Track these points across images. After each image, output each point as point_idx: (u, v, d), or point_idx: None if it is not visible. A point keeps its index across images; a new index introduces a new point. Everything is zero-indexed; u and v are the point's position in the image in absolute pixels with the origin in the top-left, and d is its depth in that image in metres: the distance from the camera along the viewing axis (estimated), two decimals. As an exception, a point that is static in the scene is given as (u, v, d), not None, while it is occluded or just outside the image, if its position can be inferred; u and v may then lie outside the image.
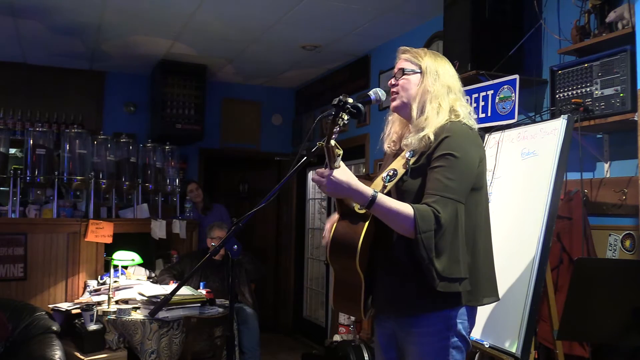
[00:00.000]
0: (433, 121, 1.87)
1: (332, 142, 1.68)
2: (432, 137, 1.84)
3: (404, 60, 2.00)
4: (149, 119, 6.15)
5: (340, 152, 1.72)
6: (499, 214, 2.64)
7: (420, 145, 1.86)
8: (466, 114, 1.93)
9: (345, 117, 1.71)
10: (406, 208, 1.74)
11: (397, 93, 1.98)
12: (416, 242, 1.72)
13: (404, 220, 1.73)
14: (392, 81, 2.00)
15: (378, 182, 1.95)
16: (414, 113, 1.92)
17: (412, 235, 1.73)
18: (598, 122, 2.69)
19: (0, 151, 4.42)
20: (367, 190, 1.75)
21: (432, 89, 1.92)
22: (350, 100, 1.72)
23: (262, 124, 6.87)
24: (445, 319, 1.83)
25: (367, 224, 1.83)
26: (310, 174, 6.66)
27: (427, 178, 1.82)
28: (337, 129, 1.69)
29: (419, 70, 1.96)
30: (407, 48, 2.03)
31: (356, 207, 1.88)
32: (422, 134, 1.85)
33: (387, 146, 2.08)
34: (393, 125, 2.08)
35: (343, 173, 1.75)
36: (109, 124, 6.03)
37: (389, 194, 1.91)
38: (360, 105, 1.76)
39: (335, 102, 1.71)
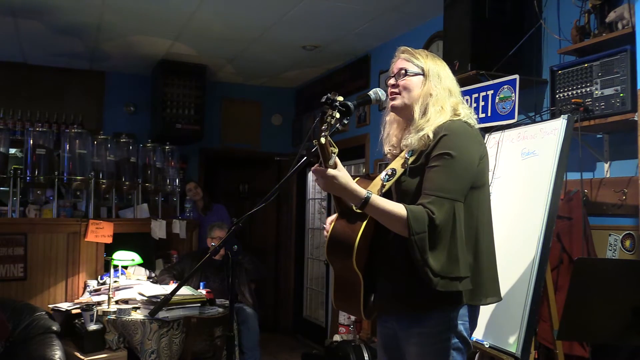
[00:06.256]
0: (434, 122, 1.86)
1: (323, 140, 1.67)
2: (431, 136, 1.84)
3: (404, 60, 1.98)
4: (149, 119, 6.15)
5: (335, 150, 1.71)
6: (499, 214, 2.63)
7: (420, 144, 1.85)
8: (467, 113, 1.93)
9: (337, 115, 1.72)
10: (399, 209, 1.74)
11: (398, 93, 1.96)
12: (410, 243, 1.72)
13: (397, 222, 1.74)
14: (392, 81, 1.98)
15: (377, 182, 1.94)
16: (416, 115, 1.90)
17: (407, 236, 1.73)
18: (598, 122, 2.69)
19: (0, 151, 4.42)
20: (361, 191, 1.75)
21: (435, 92, 1.91)
22: (340, 98, 1.73)
23: (262, 124, 6.87)
24: (445, 319, 1.82)
25: (364, 223, 1.82)
26: (310, 174, 6.65)
27: (425, 177, 1.81)
28: (325, 126, 1.70)
29: (422, 72, 1.94)
30: (407, 48, 2.01)
31: (354, 205, 1.87)
32: (421, 133, 1.85)
33: (388, 150, 2.07)
34: (392, 127, 2.06)
35: (337, 172, 1.74)
36: (109, 124, 6.03)
37: (388, 193, 1.91)
38: (349, 103, 1.77)
39: (323, 100, 1.74)
